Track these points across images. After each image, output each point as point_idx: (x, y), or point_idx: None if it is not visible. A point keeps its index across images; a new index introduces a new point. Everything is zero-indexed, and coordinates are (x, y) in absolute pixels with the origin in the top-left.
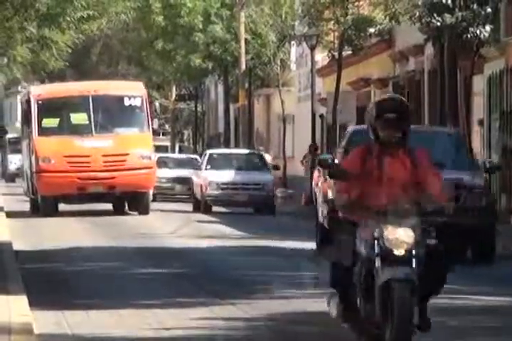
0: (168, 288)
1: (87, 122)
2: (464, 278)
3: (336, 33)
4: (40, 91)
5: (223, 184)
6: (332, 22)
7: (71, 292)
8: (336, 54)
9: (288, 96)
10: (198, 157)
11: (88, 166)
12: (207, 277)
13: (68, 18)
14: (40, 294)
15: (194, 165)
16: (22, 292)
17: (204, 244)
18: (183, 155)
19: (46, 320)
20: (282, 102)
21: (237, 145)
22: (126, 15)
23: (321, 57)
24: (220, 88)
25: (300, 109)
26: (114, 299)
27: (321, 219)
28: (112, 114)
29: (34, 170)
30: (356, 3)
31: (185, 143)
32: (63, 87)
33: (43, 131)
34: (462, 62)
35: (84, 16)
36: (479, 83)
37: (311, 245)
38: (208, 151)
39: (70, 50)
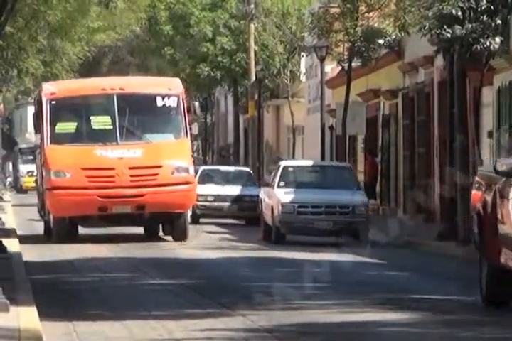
0: (178, 299)
1: (111, 127)
2: (472, 289)
3: (346, 45)
4: (53, 88)
5: (301, 206)
6: (342, 33)
7: (80, 303)
8: (346, 65)
9: (297, 108)
10: (249, 170)
11: (112, 181)
12: (216, 288)
13: (79, 29)
14: (49, 305)
15: (246, 180)
16: (31, 302)
17: (214, 255)
18: (232, 168)
19: (55, 331)
20: (292, 113)
21: (246, 158)
22: (137, 26)
23: (331, 69)
24: (230, 99)
25: (310, 120)
26: (123, 310)
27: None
28: (141, 116)
29: (45, 185)
30: (366, 15)
31: (195, 154)
32: (82, 83)
33: (57, 138)
34: (472, 74)
35: (96, 27)
36: (489, 94)
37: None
38: (282, 163)
39: (80, 62)
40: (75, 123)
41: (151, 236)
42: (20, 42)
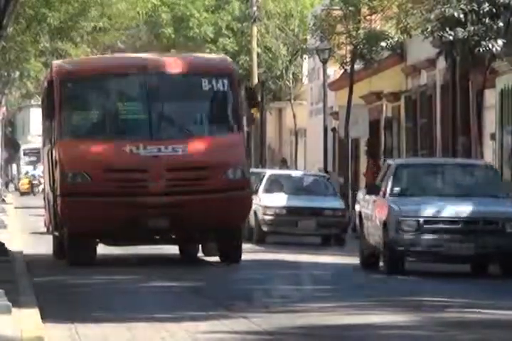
0: (181, 301)
1: (144, 117)
2: (475, 292)
3: (348, 47)
4: (68, 67)
5: (428, 222)
6: (344, 36)
7: (83, 305)
8: (348, 68)
9: (300, 110)
10: (327, 176)
11: (145, 187)
12: (220, 290)
13: (81, 30)
14: (52, 307)
15: (324, 188)
16: (34, 305)
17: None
18: (307, 174)
19: (58, 333)
20: (294, 116)
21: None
22: (138, 27)
23: (333, 71)
24: None
25: (312, 123)
26: (126, 312)
27: None
28: (182, 104)
29: (58, 191)
30: (368, 17)
31: None
32: (105, 60)
33: (73, 131)
34: (474, 76)
35: (97, 27)
36: (491, 97)
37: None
38: (394, 162)
39: None
40: (97, 112)
41: (189, 257)
42: (22, 44)
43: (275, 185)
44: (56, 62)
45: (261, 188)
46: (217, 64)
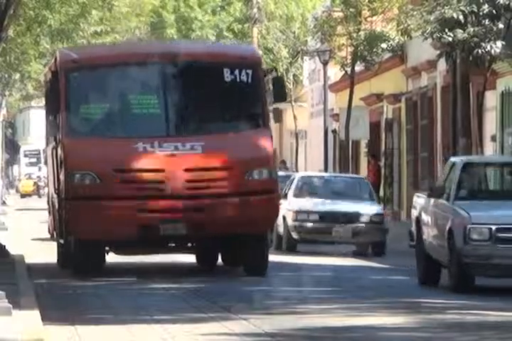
0: (181, 303)
1: (158, 111)
2: (474, 293)
3: (349, 49)
4: (74, 55)
5: (503, 230)
6: (345, 37)
7: (83, 306)
8: (349, 69)
9: (301, 112)
10: (365, 178)
11: (160, 189)
12: (220, 292)
13: (81, 33)
14: (52, 308)
15: (361, 192)
16: (34, 306)
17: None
18: (343, 176)
19: (58, 335)
20: (295, 117)
21: None
22: (139, 29)
23: (334, 73)
24: None
25: (313, 125)
26: (126, 314)
27: None
28: (202, 97)
29: (63, 194)
30: (369, 19)
31: None
32: (116, 49)
33: (80, 127)
34: (474, 78)
35: (98, 31)
36: (492, 98)
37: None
38: (460, 160)
39: None
40: (107, 106)
41: (209, 267)
42: (23, 46)
43: (306, 188)
44: (61, 50)
45: (291, 192)
46: (241, 52)
